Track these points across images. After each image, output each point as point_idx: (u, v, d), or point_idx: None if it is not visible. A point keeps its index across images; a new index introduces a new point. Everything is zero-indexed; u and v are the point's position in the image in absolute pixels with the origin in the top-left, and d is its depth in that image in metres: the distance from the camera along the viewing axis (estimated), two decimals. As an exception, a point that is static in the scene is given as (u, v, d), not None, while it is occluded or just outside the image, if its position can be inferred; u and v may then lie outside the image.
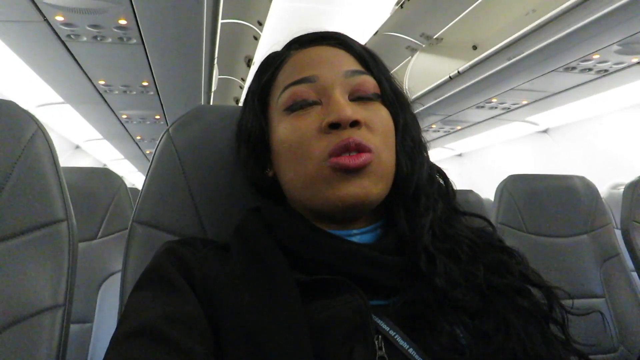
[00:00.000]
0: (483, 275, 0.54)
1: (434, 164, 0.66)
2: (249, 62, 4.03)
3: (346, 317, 0.50)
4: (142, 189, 0.70)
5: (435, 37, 3.19)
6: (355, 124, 0.55)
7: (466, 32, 2.96)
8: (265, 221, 0.61)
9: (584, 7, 2.05)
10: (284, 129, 0.58)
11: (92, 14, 2.11)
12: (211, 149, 0.72)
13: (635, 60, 2.60)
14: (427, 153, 0.65)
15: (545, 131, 4.73)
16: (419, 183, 0.60)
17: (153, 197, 0.70)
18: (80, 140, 5.34)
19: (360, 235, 0.59)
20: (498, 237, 0.63)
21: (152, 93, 3.36)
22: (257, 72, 0.67)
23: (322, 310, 0.50)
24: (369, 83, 0.60)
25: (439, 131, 4.73)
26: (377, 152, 0.55)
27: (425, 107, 3.50)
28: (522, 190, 1.66)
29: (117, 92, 3.32)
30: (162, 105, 3.69)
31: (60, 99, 3.54)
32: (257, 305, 0.49)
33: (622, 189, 1.71)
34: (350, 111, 0.54)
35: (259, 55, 3.85)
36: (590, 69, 2.77)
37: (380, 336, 0.50)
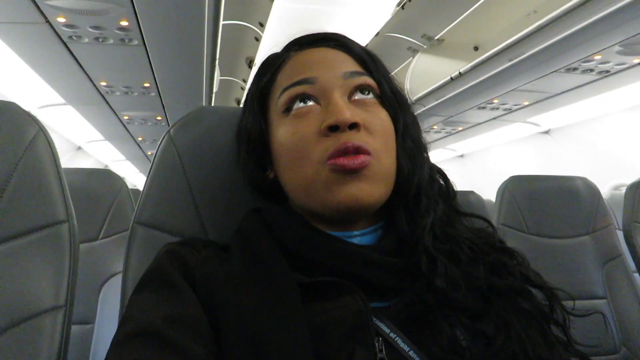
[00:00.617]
0: (484, 277, 0.54)
1: (435, 165, 0.66)
2: (250, 63, 4.04)
3: (346, 319, 0.50)
4: (143, 190, 0.70)
5: (436, 38, 3.19)
6: (354, 126, 0.54)
7: (467, 33, 2.95)
8: (266, 222, 0.61)
9: (586, 8, 2.04)
10: (284, 132, 0.58)
11: (94, 15, 2.11)
12: (212, 150, 0.72)
13: (636, 61, 2.60)
14: (427, 154, 0.65)
15: (546, 132, 4.72)
16: (419, 184, 0.60)
17: (154, 198, 0.70)
18: (82, 141, 5.34)
19: (360, 237, 0.59)
20: (499, 237, 0.63)
21: (153, 94, 3.37)
22: (256, 74, 0.67)
23: (322, 312, 0.50)
24: (368, 84, 0.59)
25: (440, 132, 4.73)
26: (376, 155, 0.55)
27: (426, 108, 3.50)
28: (523, 191, 1.66)
29: (118, 93, 3.32)
30: (163, 106, 3.69)
31: (62, 100, 3.54)
32: (257, 306, 0.49)
33: (624, 190, 1.70)
34: (349, 113, 0.54)
35: (260, 57, 3.85)
36: (591, 70, 2.77)
37: (380, 338, 0.50)
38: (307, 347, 0.46)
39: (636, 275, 1.60)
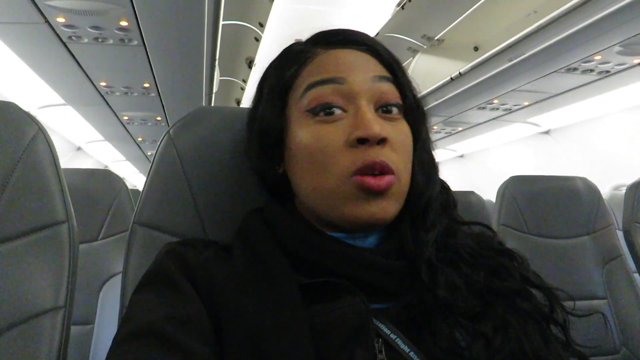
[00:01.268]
0: (484, 280, 0.54)
1: (440, 178, 0.66)
2: (250, 64, 4.04)
3: (347, 320, 0.50)
4: (142, 191, 0.70)
5: (436, 38, 3.19)
6: (381, 141, 0.54)
7: (467, 33, 2.95)
8: (267, 222, 0.61)
9: (586, 8, 2.04)
10: (306, 134, 0.57)
11: (94, 15, 2.11)
12: (212, 151, 0.72)
13: (637, 61, 2.59)
14: (438, 170, 0.64)
15: (547, 132, 4.72)
16: (430, 199, 0.60)
17: (154, 198, 0.70)
18: (82, 141, 5.34)
19: (362, 239, 0.59)
20: (498, 240, 0.63)
21: (153, 94, 3.37)
22: (277, 63, 0.65)
23: (323, 313, 0.50)
24: (394, 92, 0.59)
25: (440, 132, 4.73)
26: (398, 174, 0.55)
27: (426, 108, 3.49)
28: (523, 191, 1.66)
29: (118, 93, 3.32)
30: (163, 106, 3.69)
31: (62, 101, 3.54)
32: (259, 307, 0.49)
33: (624, 190, 1.70)
34: (379, 128, 0.53)
35: (260, 57, 3.85)
36: (592, 70, 2.77)
37: (380, 339, 0.50)
38: (308, 348, 0.46)
39: (636, 275, 1.60)
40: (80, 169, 1.59)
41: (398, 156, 0.56)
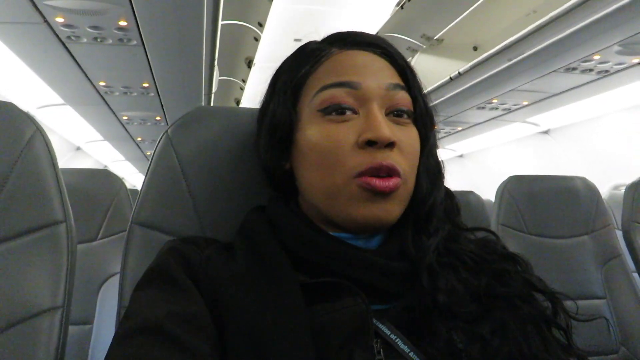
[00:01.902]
0: (485, 285, 0.55)
1: (445, 186, 0.66)
2: (249, 64, 4.04)
3: (347, 320, 0.50)
4: (141, 190, 0.70)
5: (435, 38, 3.19)
6: (390, 144, 0.54)
7: (467, 33, 2.96)
8: (270, 221, 0.61)
9: (585, 7, 2.04)
10: (317, 133, 0.57)
11: (93, 15, 2.11)
12: (210, 151, 0.72)
13: (636, 60, 2.60)
14: (444, 176, 0.65)
15: (546, 132, 4.72)
16: (433, 205, 0.60)
17: (152, 198, 0.69)
18: (82, 141, 5.34)
19: (365, 240, 0.59)
20: (502, 245, 0.63)
21: (152, 94, 3.37)
22: (291, 60, 0.65)
23: (324, 313, 0.51)
24: (405, 100, 0.59)
25: (439, 132, 4.71)
26: (404, 177, 0.55)
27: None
28: (522, 191, 1.66)
29: (117, 93, 3.32)
30: (162, 106, 3.69)
31: (61, 101, 3.54)
32: (260, 305, 0.49)
33: (623, 190, 1.70)
34: (389, 131, 0.54)
35: (260, 57, 3.86)
36: (591, 70, 2.77)
37: (379, 340, 0.50)
38: (309, 348, 0.46)
39: (635, 275, 1.60)
40: (79, 169, 1.59)
41: (405, 160, 0.56)
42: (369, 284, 0.53)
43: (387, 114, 0.57)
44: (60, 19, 2.13)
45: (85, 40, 2.38)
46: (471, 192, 1.94)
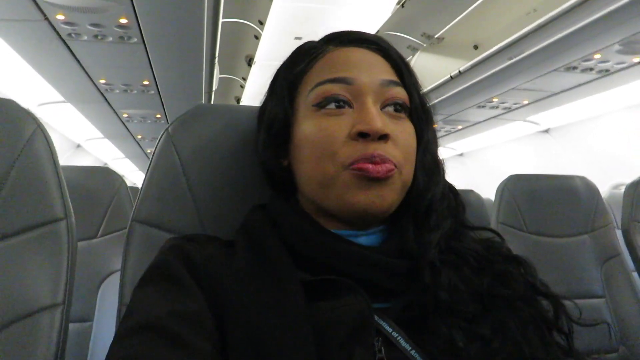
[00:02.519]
0: (487, 285, 0.54)
1: (447, 182, 0.66)
2: (250, 62, 4.04)
3: (348, 318, 0.50)
4: (141, 188, 0.70)
5: (436, 36, 3.19)
6: (383, 137, 0.55)
7: (467, 31, 2.95)
8: (271, 219, 0.61)
9: (585, 6, 2.04)
10: (311, 126, 0.58)
11: (93, 12, 2.11)
12: (211, 148, 0.72)
13: (636, 59, 2.59)
14: (443, 171, 0.65)
15: (546, 131, 4.72)
16: (432, 200, 0.60)
17: (152, 196, 0.70)
18: (82, 139, 5.34)
19: (365, 237, 0.59)
20: (506, 247, 0.63)
21: (152, 92, 3.37)
22: (289, 59, 0.66)
23: (324, 310, 0.51)
24: (401, 96, 0.59)
25: (440, 131, 4.73)
26: (399, 166, 0.56)
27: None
28: (522, 190, 1.66)
29: (118, 91, 3.32)
30: (162, 104, 3.69)
31: (61, 98, 3.54)
32: (261, 303, 0.49)
33: (623, 189, 1.70)
34: (381, 123, 0.54)
35: (260, 55, 3.85)
36: (591, 69, 2.77)
37: (380, 338, 0.50)
38: (310, 345, 0.46)
39: (635, 274, 1.60)
40: (80, 167, 1.59)
41: (399, 152, 0.56)
42: (370, 281, 0.53)
43: (382, 109, 0.58)
44: (60, 17, 2.13)
45: (85, 37, 2.38)
46: (471, 191, 1.94)
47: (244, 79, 4.59)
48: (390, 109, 0.58)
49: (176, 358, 0.43)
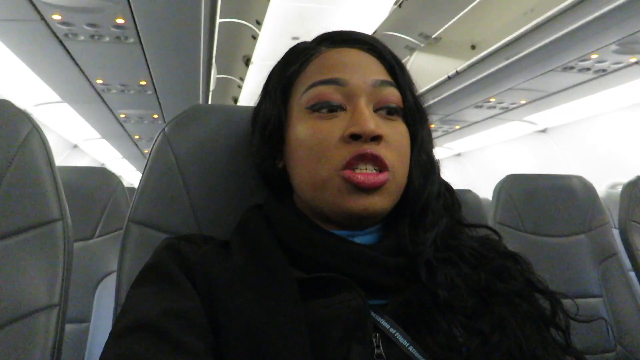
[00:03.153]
0: (484, 281, 0.55)
1: (443, 180, 0.66)
2: (247, 62, 4.04)
3: (345, 315, 0.50)
4: (138, 188, 0.70)
5: (433, 36, 3.19)
6: (376, 138, 0.54)
7: (465, 31, 2.96)
8: (267, 218, 0.61)
9: (582, 6, 2.05)
10: (304, 129, 0.57)
11: (90, 12, 2.10)
12: (207, 149, 0.72)
13: (633, 59, 2.60)
14: (439, 170, 0.65)
15: (543, 131, 4.73)
16: (428, 199, 0.60)
17: (149, 196, 0.69)
18: (79, 139, 5.33)
19: (362, 236, 0.59)
20: (503, 244, 0.63)
21: (150, 92, 3.37)
22: (282, 60, 0.66)
23: (320, 308, 0.51)
24: (394, 96, 0.59)
25: (437, 131, 4.74)
26: (392, 170, 0.55)
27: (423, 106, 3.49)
28: (520, 189, 1.66)
29: (114, 91, 3.32)
30: (160, 104, 3.69)
31: (58, 98, 3.53)
32: (256, 302, 0.49)
33: (620, 189, 1.71)
34: (374, 125, 0.54)
35: (257, 55, 3.85)
36: (588, 69, 2.78)
37: (378, 334, 0.50)
38: (305, 343, 0.46)
39: (632, 273, 1.60)
40: (76, 167, 1.58)
41: (393, 154, 0.56)
42: (367, 279, 0.53)
43: (375, 111, 0.58)
44: (57, 17, 2.12)
45: (82, 38, 2.38)
46: (468, 190, 1.94)
47: (242, 79, 4.59)
48: (384, 112, 0.58)
49: (170, 357, 0.43)
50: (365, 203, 0.54)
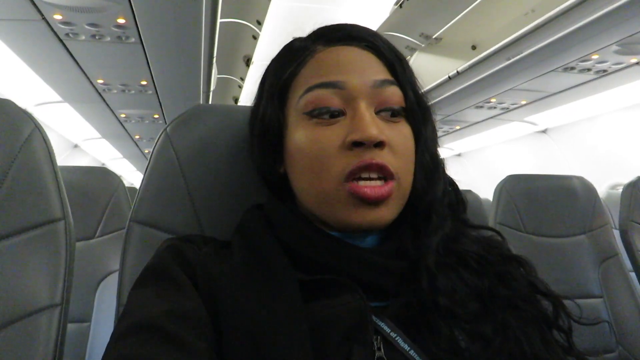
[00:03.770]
0: (488, 286, 0.54)
1: (447, 176, 0.64)
2: (248, 62, 4.04)
3: (345, 317, 0.50)
4: (140, 188, 0.70)
5: (434, 36, 3.19)
6: (379, 144, 0.52)
7: (465, 32, 2.96)
8: (268, 219, 0.60)
9: (583, 7, 2.04)
10: (303, 136, 0.55)
11: (91, 12, 2.10)
12: (209, 149, 0.72)
13: (634, 60, 2.60)
14: (443, 167, 0.63)
15: (544, 131, 4.73)
16: (432, 202, 0.58)
17: (151, 196, 0.69)
18: (79, 139, 5.33)
19: (364, 239, 0.58)
20: (507, 247, 0.62)
21: (150, 92, 3.36)
22: (277, 61, 0.64)
23: (322, 309, 0.50)
24: (396, 96, 0.56)
25: (437, 131, 4.72)
26: (397, 177, 0.54)
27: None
28: (520, 190, 1.66)
29: (115, 91, 3.31)
30: (160, 104, 3.68)
31: (59, 98, 3.53)
32: (257, 303, 0.49)
33: (620, 189, 1.71)
34: (376, 130, 0.52)
35: (258, 55, 3.85)
36: (589, 69, 2.77)
37: (379, 337, 0.50)
38: (306, 345, 0.46)
39: (632, 274, 1.60)
40: (77, 167, 1.59)
41: (398, 159, 0.54)
42: (368, 281, 0.53)
43: (377, 112, 0.56)
44: (58, 16, 2.12)
45: (83, 37, 2.38)
46: (469, 191, 1.93)
47: (242, 79, 4.59)
48: (386, 113, 0.56)
49: (172, 357, 0.43)
50: (372, 216, 0.53)
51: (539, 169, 4.95)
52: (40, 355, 0.57)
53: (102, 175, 1.57)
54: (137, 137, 5.05)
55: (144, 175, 0.71)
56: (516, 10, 2.47)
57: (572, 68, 2.75)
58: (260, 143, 0.63)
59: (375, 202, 0.52)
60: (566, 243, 1.62)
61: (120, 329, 0.47)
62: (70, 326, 1.33)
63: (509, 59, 2.67)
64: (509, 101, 3.56)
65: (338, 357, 0.48)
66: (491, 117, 4.10)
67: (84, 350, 1.37)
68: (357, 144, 0.52)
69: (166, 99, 3.55)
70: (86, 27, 2.25)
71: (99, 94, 3.39)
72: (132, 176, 8.70)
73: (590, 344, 1.40)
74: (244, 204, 0.67)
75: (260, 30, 3.49)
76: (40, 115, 3.94)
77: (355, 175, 0.52)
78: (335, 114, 0.55)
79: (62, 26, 2.23)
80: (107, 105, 3.71)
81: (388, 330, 0.51)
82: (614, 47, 2.40)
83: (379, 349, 0.49)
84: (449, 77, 3.10)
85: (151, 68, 2.86)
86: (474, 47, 2.91)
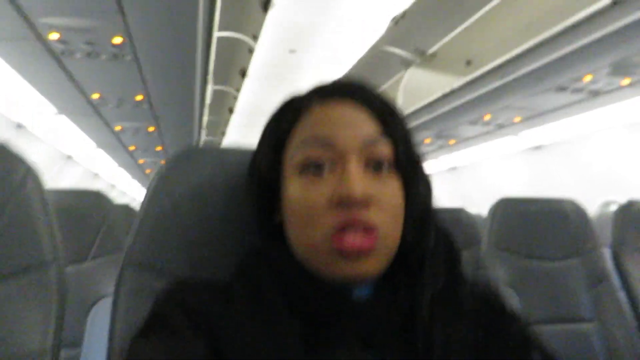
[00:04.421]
0: (483, 341, 0.55)
1: (443, 230, 0.64)
2: (243, 74, 4.05)
3: None
4: (133, 229, 0.70)
5: (429, 52, 3.22)
6: (365, 201, 0.53)
7: (460, 48, 2.98)
8: (268, 266, 0.60)
9: (577, 29, 2.07)
10: (294, 191, 0.57)
11: (87, 32, 2.11)
12: (204, 191, 0.71)
13: (625, 82, 2.63)
14: (435, 220, 0.62)
15: (538, 147, 4.76)
16: (423, 255, 0.59)
17: (145, 237, 0.69)
18: (73, 150, 5.32)
19: (359, 290, 0.58)
20: (502, 300, 0.62)
21: (146, 107, 3.37)
22: (276, 116, 0.65)
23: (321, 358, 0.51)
24: (385, 152, 0.57)
25: (432, 145, 4.76)
26: (382, 230, 0.54)
27: (418, 123, 3.51)
28: (513, 213, 1.67)
29: (111, 105, 3.32)
30: (155, 118, 3.69)
31: (54, 110, 3.54)
32: (260, 351, 0.49)
33: (613, 207, 1.72)
34: (361, 188, 0.52)
35: (253, 67, 3.87)
36: (581, 89, 2.80)
37: None
38: None
39: (624, 297, 1.61)
40: (70, 190, 1.58)
41: (384, 215, 0.55)
42: (362, 333, 0.53)
43: (367, 166, 0.56)
44: (54, 36, 2.13)
45: (79, 55, 2.39)
46: (462, 209, 1.94)
47: (237, 90, 4.60)
48: (375, 167, 0.56)
49: None
50: (354, 269, 0.53)
51: (531, 186, 4.99)
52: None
53: (94, 198, 1.56)
54: (131, 148, 5.05)
55: (139, 214, 0.71)
56: (510, 27, 2.49)
57: (565, 88, 2.77)
58: (258, 194, 0.63)
59: (357, 256, 0.53)
60: (559, 266, 1.63)
61: None
62: (62, 351, 1.31)
63: (503, 78, 2.69)
64: (503, 118, 3.59)
65: None
66: (485, 133, 4.13)
67: (75, 376, 1.36)
68: (344, 201, 0.53)
69: (162, 112, 3.55)
70: (82, 45, 2.26)
71: (95, 108, 3.39)
72: (125, 187, 8.68)
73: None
74: (240, 246, 0.66)
75: (255, 44, 3.50)
76: (35, 126, 3.93)
77: (340, 232, 0.53)
78: (325, 169, 0.56)
79: (59, 45, 2.24)
80: (103, 119, 3.71)
81: None
82: (607, 69, 2.43)
83: None
84: (443, 95, 3.13)
85: (146, 84, 2.87)
86: (468, 63, 2.94)
